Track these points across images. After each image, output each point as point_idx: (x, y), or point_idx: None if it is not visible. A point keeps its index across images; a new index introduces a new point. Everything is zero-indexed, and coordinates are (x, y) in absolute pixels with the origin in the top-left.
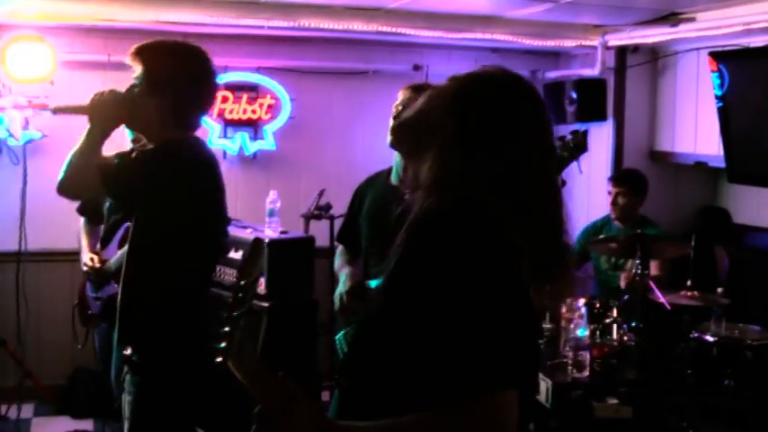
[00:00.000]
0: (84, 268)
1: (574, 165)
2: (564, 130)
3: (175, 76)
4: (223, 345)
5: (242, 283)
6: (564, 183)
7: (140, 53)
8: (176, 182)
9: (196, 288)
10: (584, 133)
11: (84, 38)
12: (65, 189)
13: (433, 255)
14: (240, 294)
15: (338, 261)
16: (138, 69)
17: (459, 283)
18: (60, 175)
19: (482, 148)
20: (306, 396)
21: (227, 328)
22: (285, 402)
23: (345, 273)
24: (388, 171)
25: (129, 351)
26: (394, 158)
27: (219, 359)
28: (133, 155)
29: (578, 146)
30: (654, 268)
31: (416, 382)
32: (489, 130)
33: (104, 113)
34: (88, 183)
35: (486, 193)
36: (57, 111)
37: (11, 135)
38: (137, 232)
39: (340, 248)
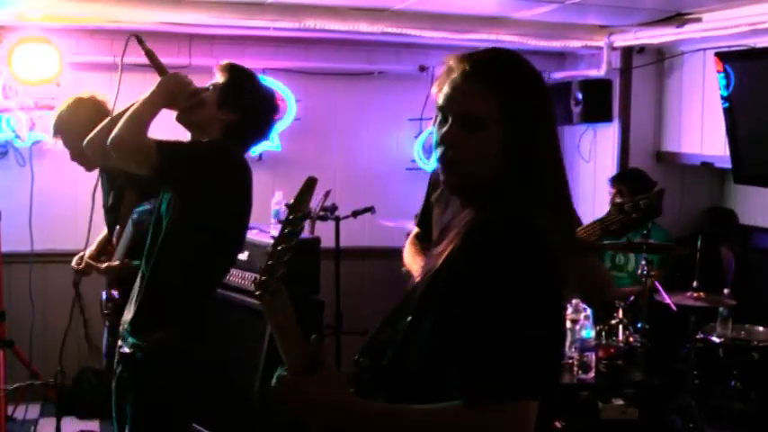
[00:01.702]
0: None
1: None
2: (569, 131)
3: (250, 102)
4: (263, 278)
5: (290, 217)
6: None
7: (228, 69)
8: (226, 176)
9: (213, 281)
10: (660, 194)
11: (90, 39)
12: (116, 146)
13: (497, 269)
14: (288, 229)
15: (410, 252)
16: (220, 79)
17: (518, 295)
18: (115, 131)
19: (537, 150)
20: (333, 365)
21: (269, 261)
22: (309, 365)
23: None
24: None
25: (127, 349)
26: None
27: (257, 292)
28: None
29: (651, 208)
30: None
31: (457, 378)
32: (546, 126)
33: (175, 89)
34: (141, 147)
35: (536, 204)
36: (147, 52)
37: (17, 136)
38: (172, 216)
39: (410, 239)
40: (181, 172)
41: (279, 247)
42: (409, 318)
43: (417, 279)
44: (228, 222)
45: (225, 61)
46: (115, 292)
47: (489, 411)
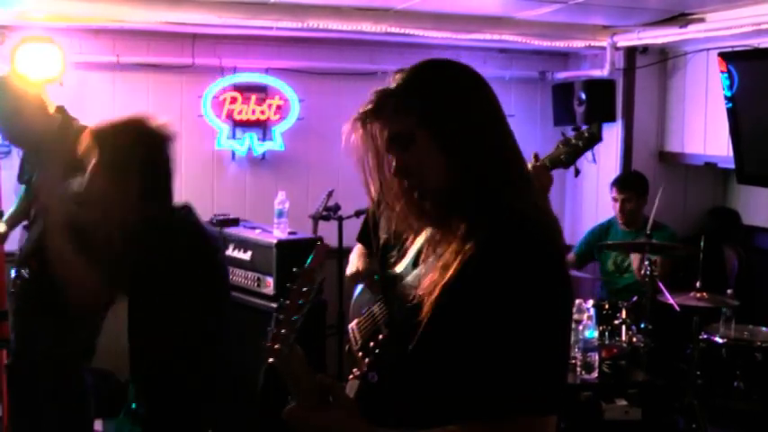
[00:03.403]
0: None
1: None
2: (572, 132)
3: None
4: (277, 346)
5: (304, 289)
6: (578, 172)
7: (97, 140)
8: (179, 271)
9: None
10: (598, 124)
11: (93, 39)
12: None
13: (531, 285)
14: (301, 301)
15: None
16: (94, 156)
17: (544, 309)
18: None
19: (472, 152)
20: (346, 397)
21: (283, 330)
22: (322, 399)
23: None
24: None
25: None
26: None
27: (271, 359)
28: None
29: (593, 135)
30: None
31: (471, 395)
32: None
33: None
34: (94, 296)
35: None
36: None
37: None
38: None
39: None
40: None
41: (293, 318)
42: (420, 331)
43: (410, 290)
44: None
45: (90, 130)
46: (25, 272)
47: (506, 429)
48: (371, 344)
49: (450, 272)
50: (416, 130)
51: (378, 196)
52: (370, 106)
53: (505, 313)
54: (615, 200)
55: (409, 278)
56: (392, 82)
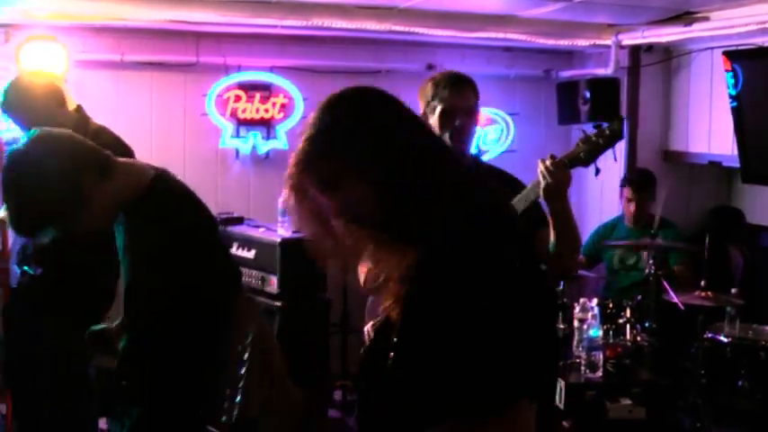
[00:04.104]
0: None
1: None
2: (577, 130)
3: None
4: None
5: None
6: (598, 170)
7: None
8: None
9: None
10: (620, 120)
11: (97, 37)
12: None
13: (455, 288)
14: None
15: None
16: None
17: (479, 304)
18: None
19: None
20: None
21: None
22: None
23: None
24: None
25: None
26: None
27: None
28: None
29: (614, 133)
30: (682, 269)
31: (430, 404)
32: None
33: None
34: None
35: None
36: None
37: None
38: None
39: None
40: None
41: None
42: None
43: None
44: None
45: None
46: (32, 269)
47: (475, 427)
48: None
49: (400, 294)
50: (337, 171)
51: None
52: (292, 169)
53: (439, 324)
54: (630, 200)
55: None
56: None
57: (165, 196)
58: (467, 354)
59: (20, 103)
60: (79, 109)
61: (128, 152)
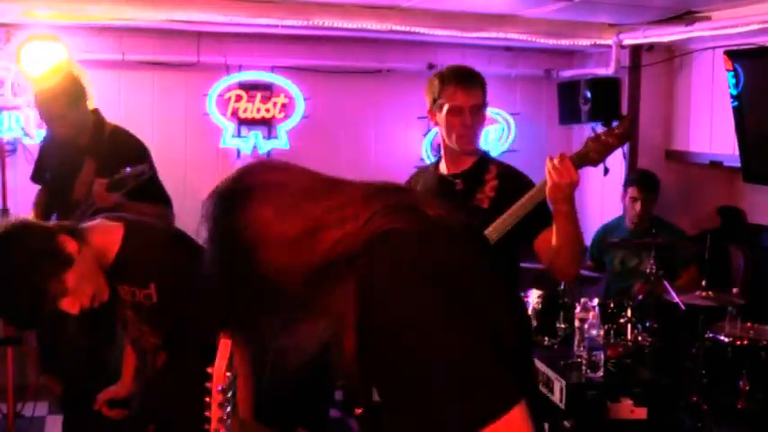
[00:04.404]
0: None
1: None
2: (578, 130)
3: None
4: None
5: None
6: (607, 170)
7: None
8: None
9: None
10: (632, 120)
11: (98, 37)
12: None
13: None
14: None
15: None
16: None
17: (431, 320)
18: None
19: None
20: None
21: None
22: None
23: None
24: (436, 163)
25: None
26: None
27: None
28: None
29: (625, 132)
30: (688, 276)
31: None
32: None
33: None
34: None
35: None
36: None
37: (26, 134)
38: None
39: None
40: None
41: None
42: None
43: None
44: None
45: None
46: None
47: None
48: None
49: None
50: None
51: None
52: None
53: (394, 354)
54: (635, 199)
55: None
56: None
57: (139, 255)
58: (462, 363)
59: (38, 101)
60: (95, 111)
61: (142, 152)
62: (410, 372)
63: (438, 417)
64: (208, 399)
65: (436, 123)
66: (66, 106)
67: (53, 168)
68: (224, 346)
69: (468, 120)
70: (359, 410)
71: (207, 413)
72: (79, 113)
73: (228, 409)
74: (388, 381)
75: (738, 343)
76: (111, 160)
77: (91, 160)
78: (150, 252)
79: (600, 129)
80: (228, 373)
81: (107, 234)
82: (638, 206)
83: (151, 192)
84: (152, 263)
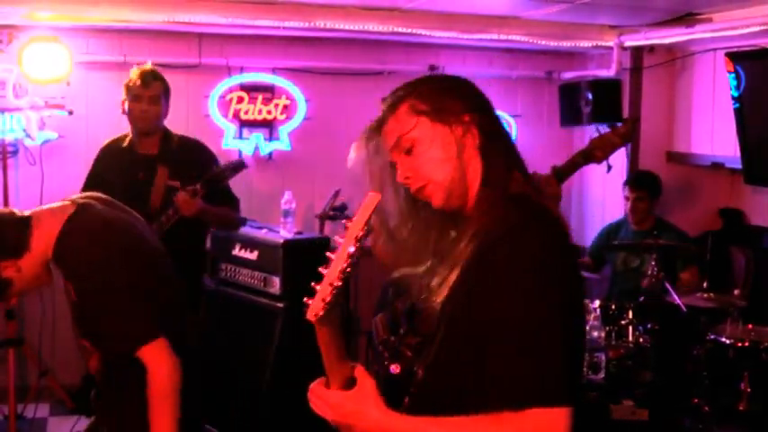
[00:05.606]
0: None
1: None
2: (579, 132)
3: None
4: (323, 309)
5: (360, 235)
6: (610, 167)
7: None
8: None
9: None
10: (635, 122)
11: (99, 38)
12: None
13: (523, 275)
14: (353, 249)
15: None
16: None
17: (550, 298)
18: None
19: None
20: (372, 384)
21: (334, 289)
22: (349, 382)
23: None
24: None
25: None
26: None
27: (313, 319)
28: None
29: (628, 131)
30: (689, 275)
31: (486, 388)
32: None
33: None
34: None
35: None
36: None
37: (28, 135)
38: None
39: None
40: None
41: (346, 271)
42: (439, 333)
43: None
44: None
45: None
46: None
47: (535, 417)
48: (392, 338)
49: (457, 270)
50: (416, 131)
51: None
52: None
53: (510, 308)
54: (627, 199)
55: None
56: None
57: (77, 238)
58: (544, 343)
59: (141, 104)
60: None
61: (211, 155)
62: (505, 330)
63: (500, 381)
64: (340, 242)
65: None
66: (163, 113)
67: (118, 179)
68: (371, 199)
69: None
70: (396, 369)
71: (331, 258)
72: (162, 121)
73: (354, 261)
74: (477, 333)
75: (740, 344)
76: (183, 166)
77: (164, 168)
78: (79, 252)
79: (604, 129)
80: (366, 227)
81: (49, 228)
82: (640, 206)
83: (226, 195)
84: (76, 263)
